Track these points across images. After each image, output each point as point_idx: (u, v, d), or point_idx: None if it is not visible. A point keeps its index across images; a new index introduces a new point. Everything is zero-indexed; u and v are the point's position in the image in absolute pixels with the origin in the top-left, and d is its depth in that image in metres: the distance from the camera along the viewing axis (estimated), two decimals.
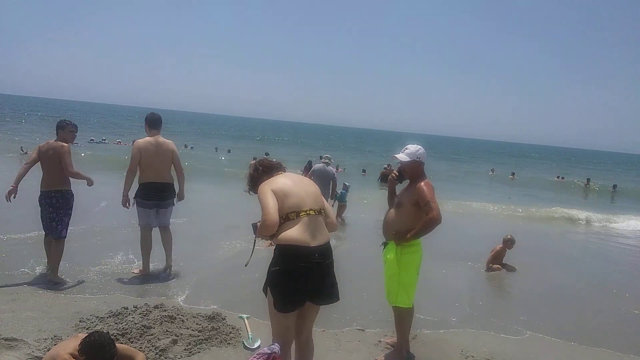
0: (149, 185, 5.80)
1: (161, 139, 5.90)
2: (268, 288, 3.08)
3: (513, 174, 30.32)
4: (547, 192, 23.15)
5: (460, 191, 18.70)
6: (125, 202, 5.83)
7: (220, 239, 8.44)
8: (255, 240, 3.33)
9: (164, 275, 6.08)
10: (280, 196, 3.01)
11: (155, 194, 5.83)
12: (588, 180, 28.46)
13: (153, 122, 5.93)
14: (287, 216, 2.99)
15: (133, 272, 6.07)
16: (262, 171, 3.27)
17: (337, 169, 24.40)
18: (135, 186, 5.94)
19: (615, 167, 63.23)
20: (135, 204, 5.87)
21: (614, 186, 27.13)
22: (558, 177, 30.92)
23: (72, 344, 3.10)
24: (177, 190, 6.16)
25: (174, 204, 6.13)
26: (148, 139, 5.86)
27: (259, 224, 3.18)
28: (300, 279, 2.98)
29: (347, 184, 11.51)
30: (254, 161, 3.42)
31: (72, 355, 3.03)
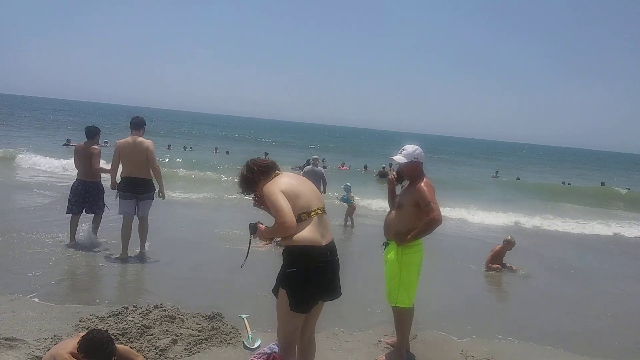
0: (127, 179, 6.49)
1: (139, 139, 6.49)
2: (283, 289, 3.06)
3: (518, 179, 29.06)
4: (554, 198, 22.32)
5: (462, 196, 18.41)
6: (114, 186, 6.73)
7: (219, 240, 8.45)
8: (250, 240, 3.33)
9: (150, 268, 6.50)
10: (292, 197, 2.99)
11: (132, 187, 6.49)
12: (602, 184, 26.65)
13: (134, 124, 6.61)
14: (299, 217, 2.98)
15: (115, 256, 6.64)
16: (257, 172, 3.20)
17: (342, 166, 24.58)
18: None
19: (620, 168, 62.57)
20: (118, 196, 6.61)
21: (627, 189, 25.31)
22: (564, 183, 28.80)
23: (72, 343, 3.10)
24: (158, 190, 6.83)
25: (152, 198, 6.73)
26: (127, 138, 6.54)
27: (259, 224, 3.18)
28: (316, 279, 3.02)
29: (348, 184, 11.32)
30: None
31: (71, 354, 3.03)
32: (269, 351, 3.48)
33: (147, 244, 6.83)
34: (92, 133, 7.18)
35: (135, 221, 6.69)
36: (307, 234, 2.98)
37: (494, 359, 4.46)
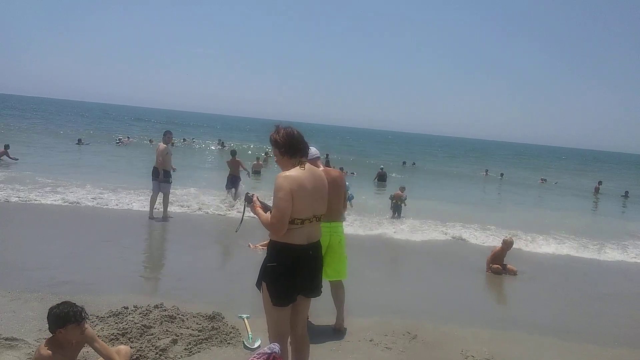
0: (155, 169, 9.73)
1: (161, 143, 9.95)
2: (264, 283, 3.12)
3: (502, 174, 29.26)
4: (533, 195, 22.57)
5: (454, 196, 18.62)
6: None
7: (220, 240, 8.45)
8: (245, 207, 3.40)
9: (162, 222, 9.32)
10: (296, 200, 2.96)
11: (155, 174, 9.70)
12: (599, 183, 25.97)
13: (164, 135, 10.11)
14: (293, 220, 2.98)
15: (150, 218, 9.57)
16: (286, 143, 3.06)
17: (353, 173, 24.88)
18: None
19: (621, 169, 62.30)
20: (152, 178, 9.82)
21: (626, 193, 24.83)
22: (542, 180, 29.37)
23: (47, 339, 3.17)
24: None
25: (170, 183, 9.86)
26: (163, 144, 9.90)
27: (255, 197, 3.27)
28: (295, 274, 3.05)
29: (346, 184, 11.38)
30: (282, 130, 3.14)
31: (48, 346, 3.09)
32: (269, 351, 3.48)
33: (168, 210, 9.85)
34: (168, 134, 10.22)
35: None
36: (292, 235, 3.01)
37: (494, 358, 4.47)
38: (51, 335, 3.16)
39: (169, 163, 9.77)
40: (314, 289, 3.21)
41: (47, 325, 3.15)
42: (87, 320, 3.21)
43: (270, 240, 3.10)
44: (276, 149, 3.12)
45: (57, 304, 3.18)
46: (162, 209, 9.75)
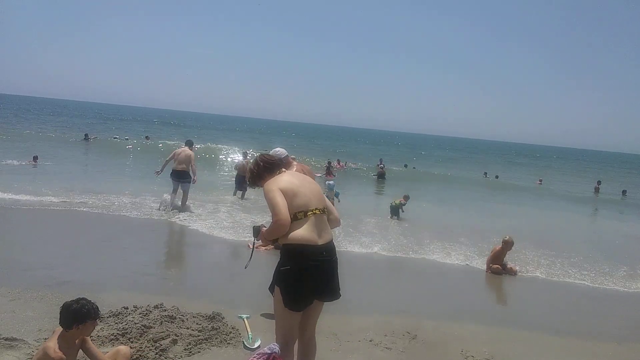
0: (175, 171, 10.74)
1: (186, 149, 11.08)
2: (277, 287, 3.08)
3: (497, 176, 29.22)
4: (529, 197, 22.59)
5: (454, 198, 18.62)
6: (157, 173, 11.00)
7: (220, 241, 8.45)
8: (254, 242, 3.35)
9: (180, 211, 10.33)
10: (289, 195, 3.02)
11: (177, 175, 10.70)
12: (598, 183, 26.03)
13: (187, 143, 11.43)
14: (295, 215, 3.00)
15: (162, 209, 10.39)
16: (263, 167, 3.31)
17: (353, 165, 25.50)
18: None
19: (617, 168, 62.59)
20: (171, 178, 10.71)
21: (623, 192, 25.04)
22: (540, 181, 29.19)
23: (54, 335, 3.14)
24: (193, 177, 10.84)
25: (189, 183, 10.76)
26: (180, 148, 11.17)
27: (262, 227, 3.20)
28: (310, 277, 3.02)
29: (330, 183, 12.16)
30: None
31: (58, 343, 3.06)
32: (269, 351, 3.48)
33: (187, 202, 10.77)
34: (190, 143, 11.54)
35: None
36: (302, 232, 2.99)
37: (494, 358, 4.47)
38: (61, 332, 3.11)
39: (189, 165, 10.86)
40: (330, 292, 3.15)
41: (60, 320, 3.11)
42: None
43: (282, 244, 3.07)
44: (260, 180, 3.33)
45: (74, 300, 3.16)
46: (181, 204, 10.64)
